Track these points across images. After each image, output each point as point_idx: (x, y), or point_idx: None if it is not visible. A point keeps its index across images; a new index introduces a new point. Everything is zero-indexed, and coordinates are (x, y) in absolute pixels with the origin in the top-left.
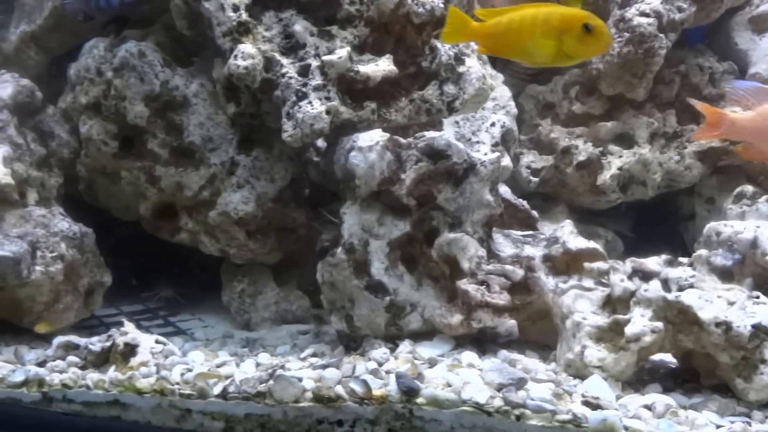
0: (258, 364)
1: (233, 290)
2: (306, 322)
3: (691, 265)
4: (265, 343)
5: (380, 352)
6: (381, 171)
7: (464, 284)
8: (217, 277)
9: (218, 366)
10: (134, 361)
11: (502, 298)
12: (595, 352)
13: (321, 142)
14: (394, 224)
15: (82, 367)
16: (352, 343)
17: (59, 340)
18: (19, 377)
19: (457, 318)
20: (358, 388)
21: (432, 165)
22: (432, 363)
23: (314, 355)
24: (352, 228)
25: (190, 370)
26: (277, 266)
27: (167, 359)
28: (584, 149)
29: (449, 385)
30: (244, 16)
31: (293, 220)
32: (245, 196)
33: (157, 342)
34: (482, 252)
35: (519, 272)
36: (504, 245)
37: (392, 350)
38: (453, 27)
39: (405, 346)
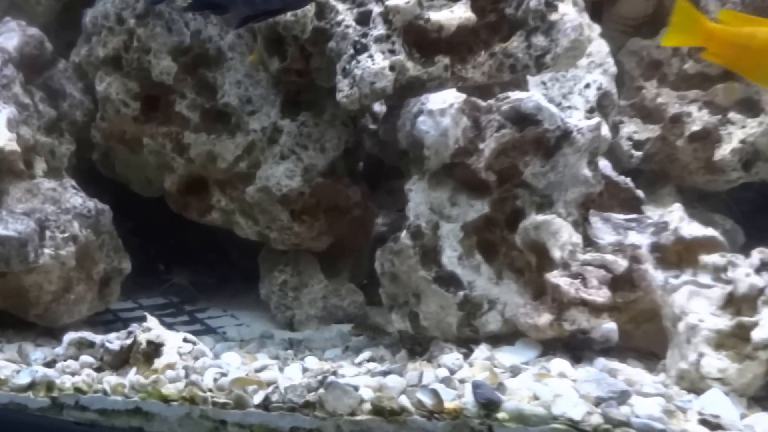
0: (305, 369)
1: (273, 282)
2: (360, 320)
3: None
4: (311, 345)
5: (452, 357)
6: (455, 139)
7: (555, 277)
8: (254, 267)
9: (258, 371)
10: (159, 363)
11: (600, 295)
12: (715, 362)
13: (380, 106)
14: (469, 204)
15: (98, 369)
16: (417, 346)
17: (71, 336)
18: (24, 379)
19: (545, 318)
20: (427, 400)
21: (517, 132)
22: (515, 371)
23: (371, 359)
24: (418, 208)
25: (224, 375)
26: (326, 254)
27: (197, 361)
28: (699, 117)
29: (536, 398)
30: None
31: (346, 198)
32: (290, 168)
33: (185, 341)
34: (577, 238)
35: (622, 263)
36: (603, 231)
37: (466, 356)
38: (681, 25)
39: (481, 351)
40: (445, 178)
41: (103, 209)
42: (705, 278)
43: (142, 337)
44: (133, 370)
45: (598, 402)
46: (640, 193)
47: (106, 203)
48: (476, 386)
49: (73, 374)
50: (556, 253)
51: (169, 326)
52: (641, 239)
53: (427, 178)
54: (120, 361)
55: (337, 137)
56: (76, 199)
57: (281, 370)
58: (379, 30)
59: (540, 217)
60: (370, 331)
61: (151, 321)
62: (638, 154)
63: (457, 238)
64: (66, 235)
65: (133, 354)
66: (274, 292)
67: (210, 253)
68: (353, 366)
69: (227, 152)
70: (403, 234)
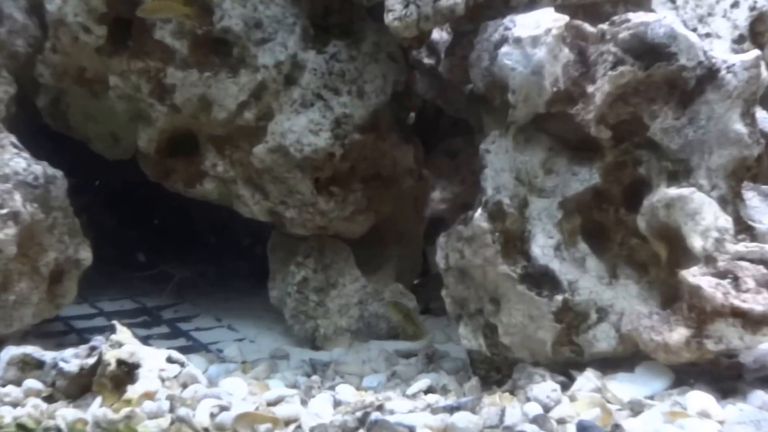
0: (338, 403)
1: (289, 280)
2: (410, 335)
3: None
4: (343, 369)
5: (546, 388)
6: (553, 79)
7: (694, 276)
8: (261, 259)
9: (272, 404)
10: (134, 391)
11: (759, 302)
12: None
13: (441, 33)
14: (572, 172)
15: (49, 398)
16: (494, 372)
17: (11, 353)
18: None
19: (679, 334)
20: None
21: (641, 70)
22: (636, 409)
23: (430, 390)
24: (499, 177)
25: (225, 409)
26: (363, 241)
27: (187, 389)
28: None
29: None
30: None
31: (393, 162)
32: (315, 120)
33: (170, 361)
34: (726, 221)
35: None
36: (763, 211)
37: (565, 386)
38: None
39: (587, 380)
40: (538, 135)
41: (54, 176)
42: None
43: (111, 356)
44: (98, 400)
45: None
46: None
47: (59, 168)
48: (583, 429)
49: (14, 405)
50: (696, 242)
51: (146, 341)
52: None
53: (512, 135)
54: (79, 387)
55: (382, 77)
56: (17, 162)
57: (304, 403)
58: None
59: (673, 191)
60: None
61: (122, 332)
62: None
63: (554, 219)
64: (4, 211)
65: (98, 378)
66: (290, 295)
67: (200, 239)
68: (405, 399)
69: (227, 97)
70: (478, 213)
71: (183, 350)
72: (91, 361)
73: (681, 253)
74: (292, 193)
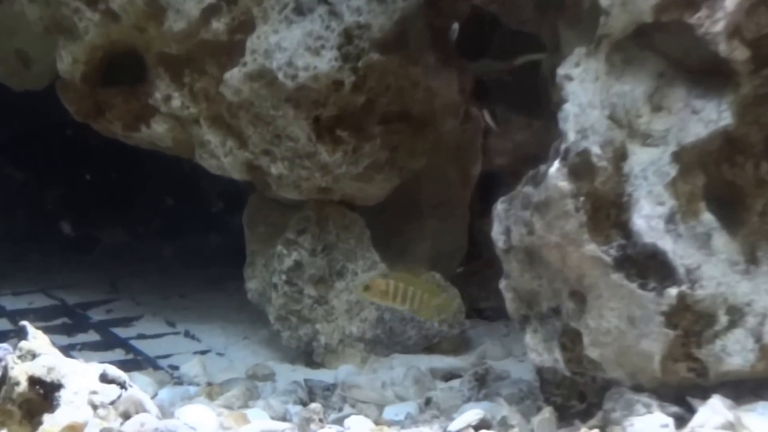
0: None
1: (275, 266)
2: (451, 348)
3: None
4: (355, 394)
5: (653, 422)
6: None
7: None
8: (233, 235)
9: None
10: (53, 422)
11: None
12: None
13: None
14: (691, 108)
15: None
16: (576, 400)
17: None
18: None
19: None
20: None
21: None
22: None
23: (483, 425)
24: (585, 116)
25: None
26: (384, 211)
27: (130, 421)
28: None
29: None
30: None
31: (429, 96)
32: (315, 34)
33: (104, 380)
34: None
35: None
36: None
37: (681, 421)
38: None
39: (714, 411)
40: (643, 55)
41: None
42: None
43: (20, 371)
44: None
45: None
46: None
47: None
48: None
49: None
50: None
51: (64, 351)
52: None
53: (604, 54)
54: None
55: None
56: None
57: None
58: None
59: None
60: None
61: (36, 338)
62: None
63: (666, 178)
64: None
65: (2, 404)
66: (277, 288)
67: (145, 205)
68: None
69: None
70: (554, 169)
71: (121, 366)
72: None
73: None
74: (280, 139)
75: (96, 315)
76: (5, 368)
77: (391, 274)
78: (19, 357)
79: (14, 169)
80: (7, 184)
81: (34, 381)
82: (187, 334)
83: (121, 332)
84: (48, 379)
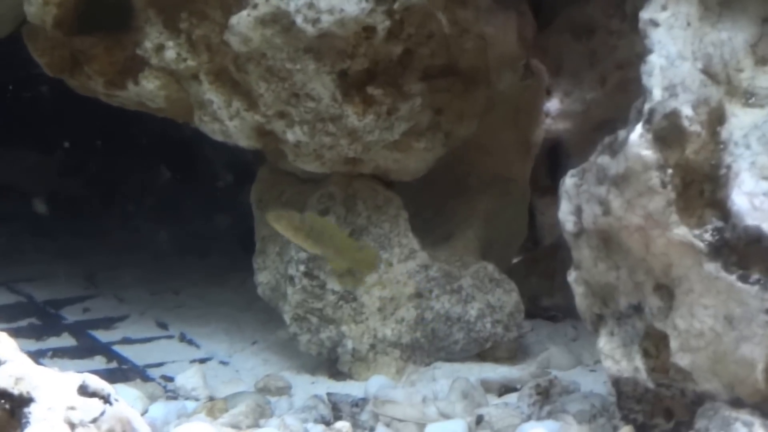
0: None
1: (291, 255)
2: (508, 355)
3: None
4: (389, 412)
5: None
6: None
7: None
8: (239, 217)
9: None
10: None
11: None
12: None
13: None
14: None
15: None
16: (662, 417)
17: None
18: None
19: None
20: None
21: None
22: None
23: None
24: (675, 70)
25: None
26: (426, 187)
27: None
28: None
29: None
30: None
31: (480, 46)
32: None
33: (83, 392)
34: None
35: None
36: None
37: None
38: None
39: None
40: None
41: None
42: None
43: None
44: None
45: None
46: None
47: None
48: None
49: None
50: None
51: (34, 359)
52: None
53: None
54: None
55: None
56: None
57: None
58: None
59: None
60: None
61: (0, 340)
62: None
63: None
64: None
65: None
66: (293, 281)
67: (132, 180)
68: None
69: None
70: (636, 134)
71: (104, 376)
72: None
73: None
74: (299, 99)
75: (71, 315)
76: None
77: (307, 215)
78: None
79: None
80: None
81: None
82: (182, 339)
83: (102, 336)
84: (15, 392)
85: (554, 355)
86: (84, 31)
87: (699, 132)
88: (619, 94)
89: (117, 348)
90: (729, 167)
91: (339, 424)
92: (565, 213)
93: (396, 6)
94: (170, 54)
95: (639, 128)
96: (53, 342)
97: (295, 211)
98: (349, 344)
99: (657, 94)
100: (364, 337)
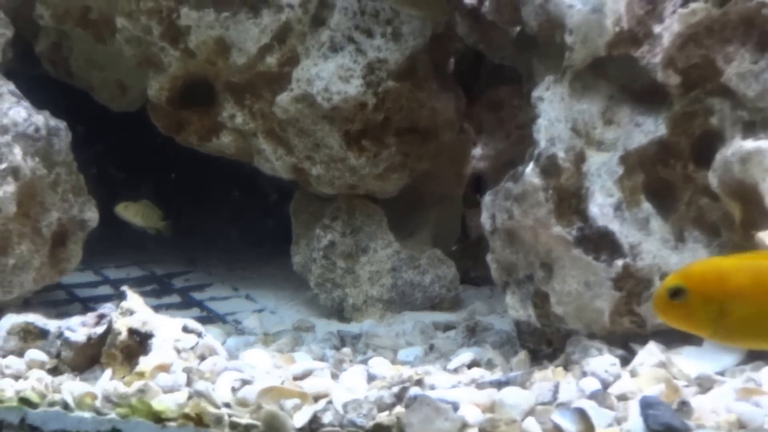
0: (372, 377)
1: (314, 245)
2: (449, 306)
3: None
4: (375, 342)
5: (604, 362)
6: (616, 18)
7: None
8: (283, 222)
9: (298, 378)
10: (147, 363)
11: None
12: None
13: None
14: (635, 122)
15: (54, 370)
16: (545, 346)
17: (12, 321)
18: None
19: None
20: (570, 426)
21: (716, 7)
22: (705, 385)
23: (474, 364)
24: (554, 128)
25: (247, 383)
26: (398, 202)
27: (205, 362)
28: None
29: (742, 426)
30: None
31: (432, 113)
32: (345, 66)
33: (186, 330)
34: None
35: None
36: None
37: (625, 360)
38: None
39: (650, 354)
40: (598, 81)
41: (57, 128)
42: None
43: (121, 324)
44: (108, 372)
45: None
46: None
47: (62, 118)
48: (647, 405)
49: (16, 378)
50: None
51: (154, 310)
52: None
53: (568, 81)
54: (87, 359)
55: (421, 18)
56: (17, 111)
57: (335, 377)
58: None
59: (750, 144)
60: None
61: (133, 299)
62: None
63: (614, 176)
64: (2, 166)
65: (108, 349)
66: (316, 261)
67: (215, 198)
68: (446, 373)
69: (247, 40)
70: (529, 168)
71: (198, 321)
72: (100, 330)
73: (758, 214)
74: (319, 148)
75: (177, 283)
76: (110, 322)
77: (140, 203)
78: (121, 314)
79: (116, 171)
80: (111, 183)
81: (132, 332)
82: (247, 297)
83: (197, 296)
84: (143, 330)
85: (478, 307)
86: (185, 106)
87: (569, 167)
88: (517, 145)
89: (207, 303)
90: (587, 189)
91: (344, 350)
92: (484, 218)
93: (380, 89)
94: (239, 120)
95: (531, 165)
96: (167, 300)
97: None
98: (350, 300)
99: (542, 143)
100: (360, 296)
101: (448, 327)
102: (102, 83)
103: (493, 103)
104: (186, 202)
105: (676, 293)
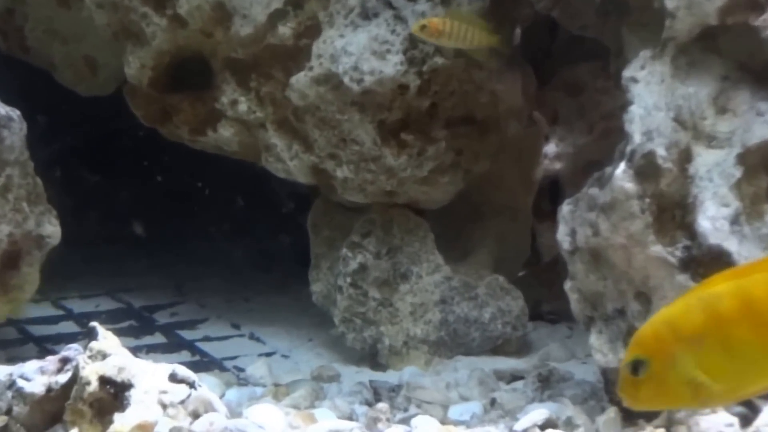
0: None
1: (340, 269)
2: (515, 349)
3: None
4: (419, 395)
5: (718, 421)
6: None
7: None
8: (298, 239)
9: None
10: (124, 421)
11: None
12: None
13: None
14: (756, 110)
15: (2, 430)
16: None
17: None
18: None
19: None
20: None
21: None
22: None
23: (548, 425)
24: (651, 118)
25: None
26: (448, 214)
27: (199, 420)
28: None
29: None
30: None
31: (493, 99)
32: (380, 38)
33: (173, 380)
34: None
35: None
36: None
37: (745, 419)
38: None
39: None
40: (708, 58)
41: (9, 118)
42: None
43: (91, 371)
44: None
45: None
46: None
47: (15, 106)
48: None
49: None
50: None
51: (132, 353)
52: None
53: (669, 57)
54: (46, 415)
55: None
56: None
57: None
58: None
59: None
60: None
61: (106, 339)
62: None
63: (730, 180)
64: None
65: (73, 403)
66: (342, 290)
67: (211, 208)
68: None
69: (254, 4)
70: (620, 170)
71: (188, 367)
72: (63, 378)
73: None
74: (346, 143)
75: (161, 318)
76: (76, 368)
77: (447, 12)
78: (90, 357)
79: (85, 173)
80: (78, 188)
81: (104, 380)
82: (251, 337)
83: (188, 334)
84: (118, 379)
85: (553, 350)
86: (173, 90)
87: (671, 168)
88: (603, 140)
89: (199, 344)
90: (695, 197)
91: (379, 405)
92: (562, 234)
93: (424, 68)
94: (242, 107)
95: (622, 165)
96: (148, 340)
97: (436, 18)
98: (387, 341)
99: (637, 138)
100: (399, 335)
101: (514, 376)
102: (65, 60)
103: (572, 85)
104: (173, 213)
105: (636, 367)
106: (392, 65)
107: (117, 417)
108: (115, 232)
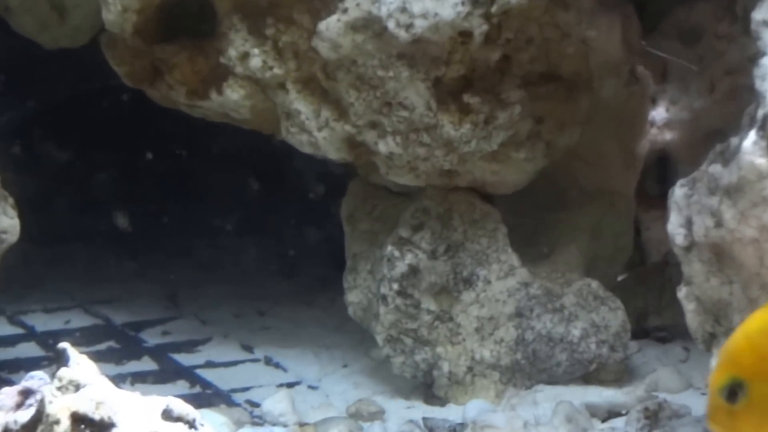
0: None
1: (384, 272)
2: (613, 377)
3: None
4: None
5: None
6: None
7: None
8: (328, 234)
9: None
10: None
11: None
12: None
13: None
14: None
15: None
16: None
17: None
18: None
19: None
20: None
21: None
22: None
23: None
24: None
25: None
26: (524, 201)
27: None
28: None
29: None
30: None
31: (583, 51)
32: None
33: (168, 417)
34: None
35: None
36: None
37: None
38: None
39: None
40: None
41: None
42: None
43: (60, 406)
44: None
45: None
46: None
47: None
48: None
49: None
50: None
51: (117, 382)
52: None
53: None
54: None
55: None
56: None
57: None
58: None
59: None
60: None
61: (80, 364)
62: None
63: None
64: None
65: None
66: (386, 300)
67: (215, 194)
68: None
69: None
70: (750, 141)
71: (187, 401)
72: (24, 417)
73: None
74: (391, 108)
75: (151, 337)
76: (41, 403)
77: None
78: (59, 389)
79: (53, 150)
80: (44, 170)
81: (78, 418)
82: (268, 362)
83: (184, 359)
84: (96, 417)
85: (663, 378)
86: (165, 40)
87: None
88: (728, 102)
89: (200, 372)
90: None
91: None
92: (674, 225)
93: (494, 9)
94: (256, 62)
95: (753, 135)
96: (133, 366)
97: None
98: (446, 366)
99: None
100: (461, 359)
101: (612, 412)
102: (25, 3)
103: (686, 31)
104: (166, 202)
105: (732, 392)
106: (451, 5)
107: None
108: (90, 225)
